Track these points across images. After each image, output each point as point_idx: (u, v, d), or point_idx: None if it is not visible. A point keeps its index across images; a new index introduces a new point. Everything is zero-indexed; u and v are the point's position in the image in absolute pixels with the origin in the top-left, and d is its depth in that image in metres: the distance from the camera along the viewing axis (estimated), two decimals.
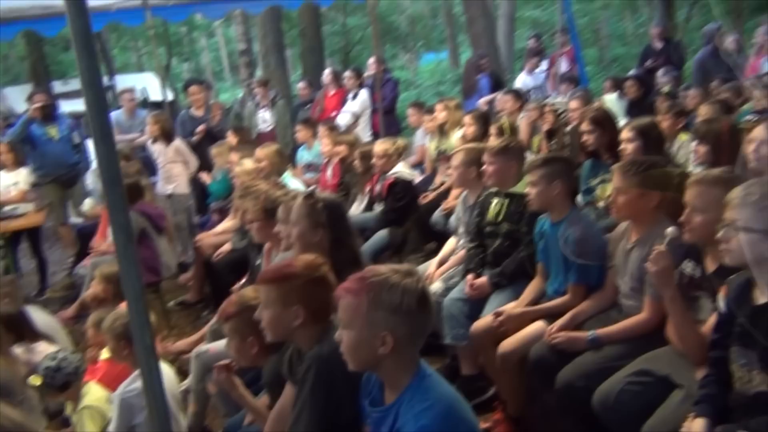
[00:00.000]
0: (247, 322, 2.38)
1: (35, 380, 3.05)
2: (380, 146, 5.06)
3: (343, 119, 7.45)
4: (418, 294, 1.68)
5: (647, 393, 2.34)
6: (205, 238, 5.30)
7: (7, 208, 5.76)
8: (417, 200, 5.21)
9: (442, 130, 6.00)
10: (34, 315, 4.07)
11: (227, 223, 5.29)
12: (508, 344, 2.98)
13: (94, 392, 3.11)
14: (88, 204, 6.00)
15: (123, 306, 3.77)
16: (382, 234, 4.80)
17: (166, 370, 3.02)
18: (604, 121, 4.06)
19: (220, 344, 3.09)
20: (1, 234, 5.64)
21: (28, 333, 3.83)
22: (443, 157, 5.62)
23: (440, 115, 5.99)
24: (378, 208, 5.02)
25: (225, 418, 3.11)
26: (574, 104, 5.51)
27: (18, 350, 3.66)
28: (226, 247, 4.89)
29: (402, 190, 4.90)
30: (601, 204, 3.91)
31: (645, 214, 2.72)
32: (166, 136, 6.18)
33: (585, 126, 4.13)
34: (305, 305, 1.99)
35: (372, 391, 1.78)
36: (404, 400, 1.66)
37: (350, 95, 7.72)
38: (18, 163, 6.06)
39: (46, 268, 6.25)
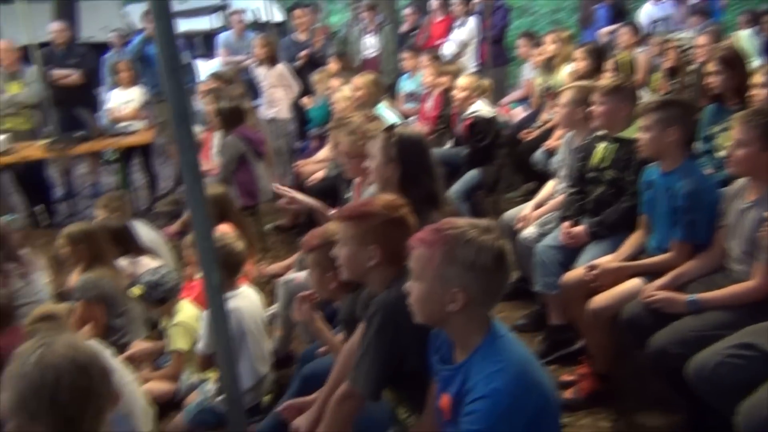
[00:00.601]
0: (328, 255, 2.36)
1: (135, 291, 3.22)
2: (464, 79, 4.87)
3: (448, 48, 7.19)
4: (495, 252, 1.57)
5: (749, 369, 2.15)
6: (304, 164, 5.35)
7: (121, 125, 6.03)
8: (501, 137, 4.96)
9: (550, 64, 5.65)
10: (140, 229, 4.29)
11: (326, 151, 5.31)
12: (600, 299, 2.82)
13: (186, 310, 3.25)
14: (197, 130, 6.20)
15: (220, 228, 3.89)
16: (474, 172, 4.65)
17: (252, 295, 3.11)
18: (734, 62, 3.66)
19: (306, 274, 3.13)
20: (115, 150, 5.93)
21: (133, 246, 4.05)
22: (549, 93, 5.32)
23: (549, 47, 5.63)
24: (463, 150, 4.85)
25: (309, 345, 3.20)
26: (702, 40, 5.01)
27: (123, 263, 3.89)
28: (320, 174, 4.92)
29: (483, 130, 4.68)
30: (721, 153, 3.58)
31: (766, 172, 2.43)
32: (271, 60, 6.20)
33: (712, 66, 3.74)
34: (381, 245, 1.94)
35: (441, 347, 1.72)
36: (475, 361, 1.59)
37: (457, 22, 7.41)
38: (133, 81, 6.29)
39: (156, 183, 6.57)
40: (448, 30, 7.49)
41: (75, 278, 3.99)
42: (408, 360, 1.80)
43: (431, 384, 1.77)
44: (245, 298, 2.95)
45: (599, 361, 3.00)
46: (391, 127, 2.72)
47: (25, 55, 6.11)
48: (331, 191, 4.37)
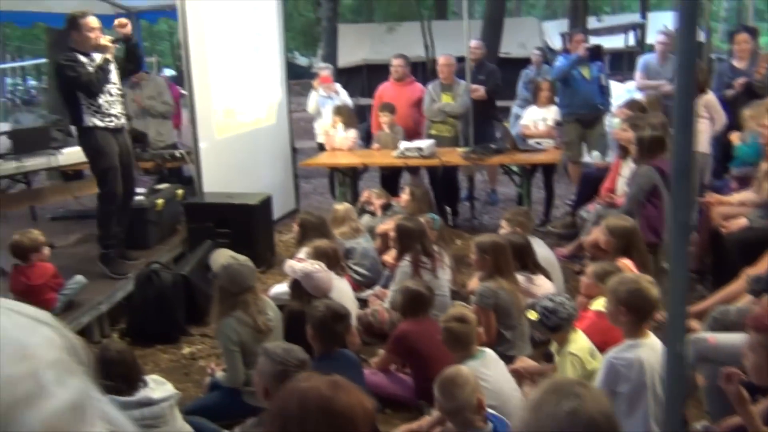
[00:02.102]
0: None
1: (531, 315, 3.27)
2: None
3: None
4: None
5: None
6: (716, 203, 4.82)
7: (531, 141, 6.23)
8: None
9: None
10: (537, 247, 4.37)
11: (746, 194, 4.70)
12: None
13: (580, 341, 3.18)
14: (596, 156, 6.10)
15: (626, 267, 3.72)
16: None
17: (658, 347, 2.87)
18: None
19: (728, 338, 2.77)
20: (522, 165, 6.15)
21: (531, 263, 4.16)
22: None
23: None
24: None
25: (707, 415, 2.86)
26: None
27: (520, 277, 4.01)
28: (741, 221, 4.35)
29: None
30: None
31: None
32: (699, 88, 5.72)
33: None
34: None
35: None
36: None
37: None
38: (550, 100, 6.43)
39: (552, 201, 6.65)
40: None
41: (474, 283, 4.27)
42: None
43: None
44: (651, 350, 2.74)
45: None
46: None
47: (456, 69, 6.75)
48: (755, 245, 3.83)
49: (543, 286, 4.06)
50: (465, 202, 7.17)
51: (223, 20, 5.90)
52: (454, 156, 6.04)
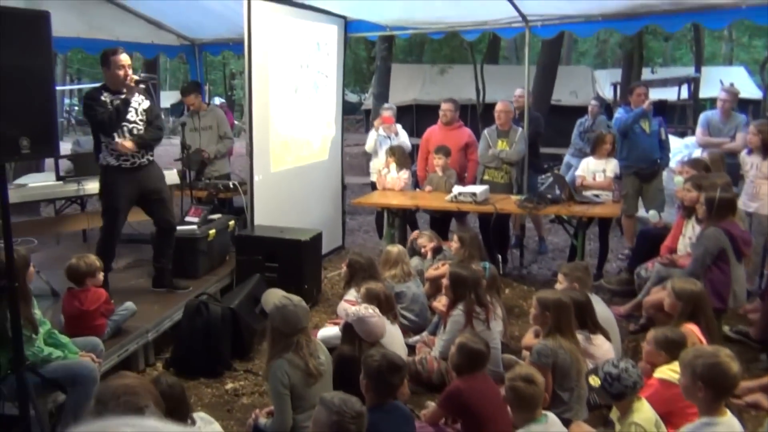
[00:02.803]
0: None
1: (594, 380, 3.12)
2: None
3: None
4: None
5: None
6: None
7: (587, 193, 6.07)
8: None
9: None
10: (595, 304, 4.19)
11: None
12: None
13: (644, 411, 3.02)
14: (652, 215, 5.93)
15: (691, 332, 3.55)
16: None
17: (736, 427, 2.70)
18: None
19: None
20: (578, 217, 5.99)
21: (590, 322, 3.98)
22: None
23: None
24: None
25: None
26: None
27: (579, 336, 3.84)
28: None
29: None
30: None
31: None
32: (766, 149, 5.54)
33: None
34: None
35: None
36: None
37: None
38: (610, 153, 6.29)
39: (606, 255, 6.44)
40: None
41: (530, 338, 4.13)
42: None
43: None
44: (729, 429, 2.57)
45: None
46: None
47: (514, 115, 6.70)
48: None
49: (601, 346, 3.90)
50: (514, 250, 7.03)
51: (285, 56, 5.95)
52: (509, 203, 5.93)
